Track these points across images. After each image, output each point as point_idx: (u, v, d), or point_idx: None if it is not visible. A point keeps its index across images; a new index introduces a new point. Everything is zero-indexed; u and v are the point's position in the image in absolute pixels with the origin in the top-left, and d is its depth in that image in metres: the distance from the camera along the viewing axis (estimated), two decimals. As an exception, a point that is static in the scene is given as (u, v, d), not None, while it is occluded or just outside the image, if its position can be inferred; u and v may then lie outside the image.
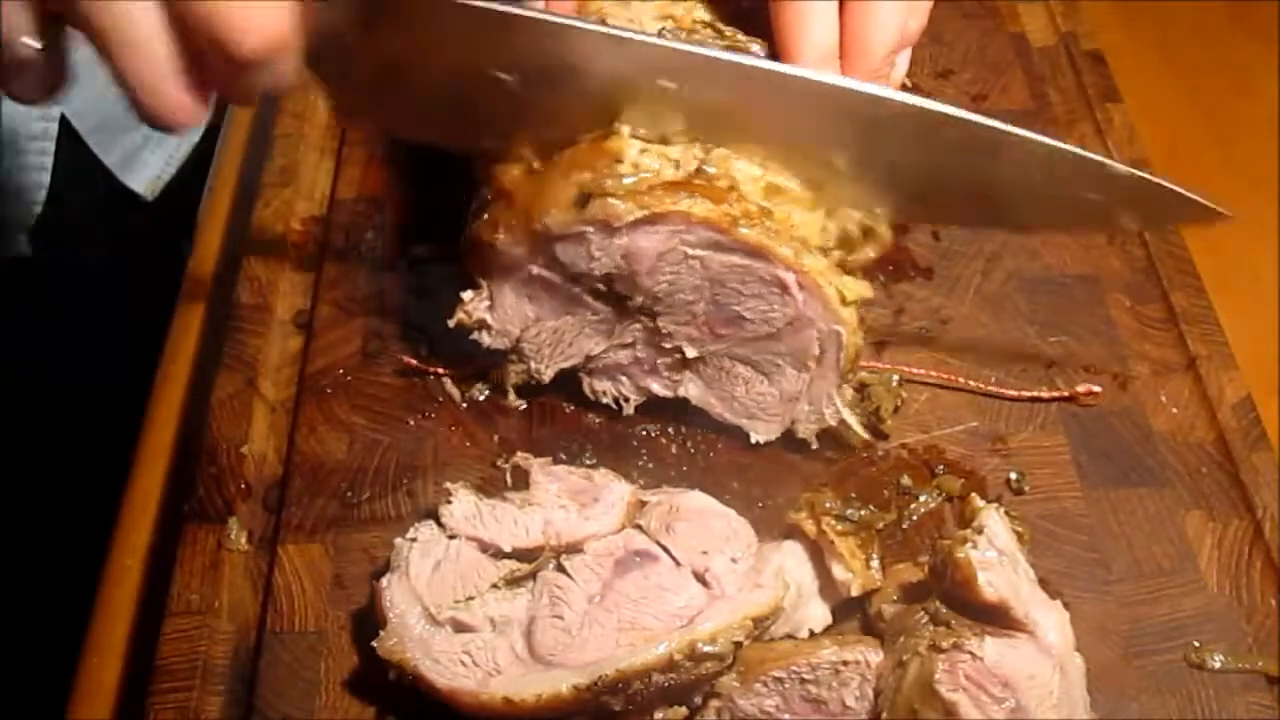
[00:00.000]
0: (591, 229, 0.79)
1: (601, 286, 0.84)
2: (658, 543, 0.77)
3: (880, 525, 0.84)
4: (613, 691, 0.72)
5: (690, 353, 0.86)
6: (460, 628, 0.75)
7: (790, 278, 0.80)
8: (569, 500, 0.80)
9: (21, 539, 1.21)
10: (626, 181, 0.78)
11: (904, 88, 0.86)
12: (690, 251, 0.80)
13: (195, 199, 1.17)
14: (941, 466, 0.90)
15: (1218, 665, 0.81)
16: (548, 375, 0.90)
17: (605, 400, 0.91)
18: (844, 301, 0.82)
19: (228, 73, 0.70)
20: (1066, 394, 0.93)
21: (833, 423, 0.88)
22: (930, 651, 0.71)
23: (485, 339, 0.88)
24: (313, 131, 1.10)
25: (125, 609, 0.87)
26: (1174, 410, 0.93)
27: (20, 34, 0.69)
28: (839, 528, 0.80)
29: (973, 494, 0.80)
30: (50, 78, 0.72)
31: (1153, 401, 0.94)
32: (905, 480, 0.89)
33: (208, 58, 0.70)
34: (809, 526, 0.79)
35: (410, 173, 1.07)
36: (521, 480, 0.82)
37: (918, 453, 0.91)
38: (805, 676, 0.73)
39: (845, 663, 0.73)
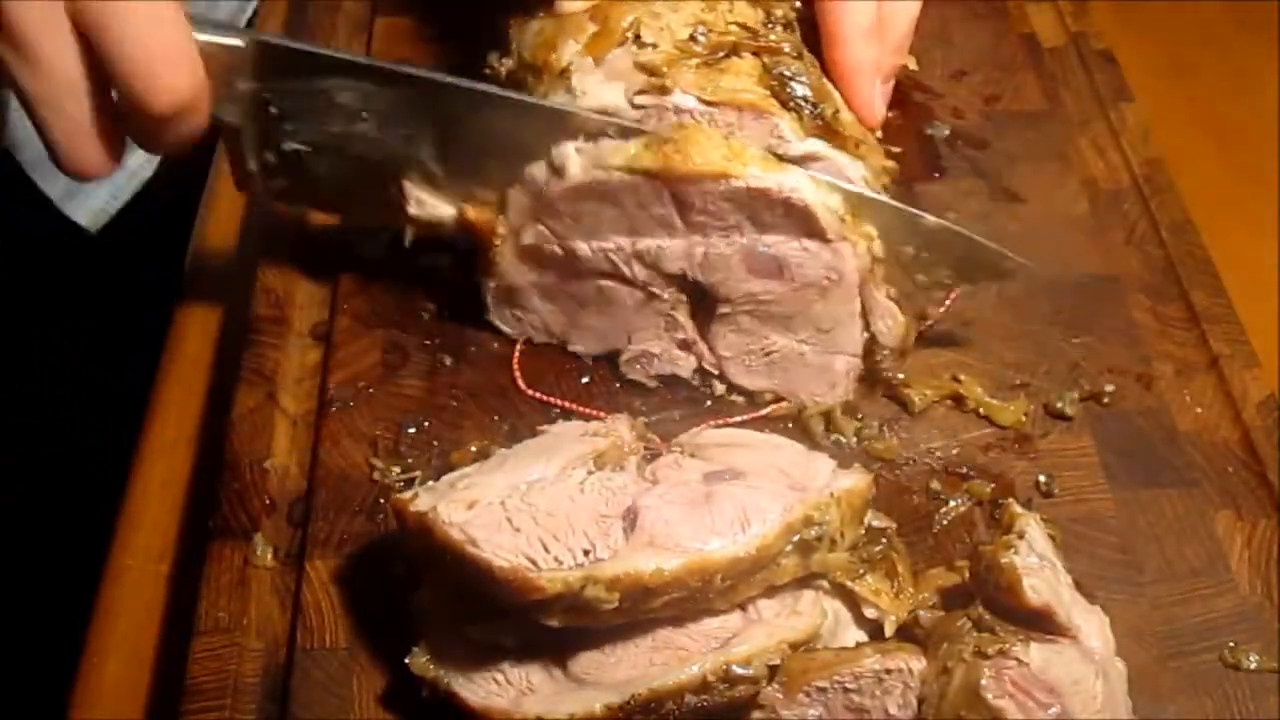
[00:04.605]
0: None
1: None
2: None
3: (898, 551, 0.81)
4: (645, 711, 0.71)
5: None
6: (493, 645, 0.74)
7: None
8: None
9: (22, 539, 1.19)
10: None
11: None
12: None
13: (144, 232, 1.17)
14: (969, 470, 0.89)
15: (1253, 665, 0.81)
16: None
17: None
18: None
19: (143, 127, 0.78)
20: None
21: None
22: (975, 658, 0.71)
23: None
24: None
25: (125, 608, 0.86)
26: (1199, 410, 0.93)
27: None
28: (858, 571, 0.77)
29: (1010, 499, 0.80)
30: None
31: (1177, 401, 0.93)
32: (934, 485, 0.88)
33: (124, 114, 0.77)
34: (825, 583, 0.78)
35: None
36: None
37: (945, 457, 0.90)
38: (848, 686, 0.72)
39: (888, 671, 0.72)
